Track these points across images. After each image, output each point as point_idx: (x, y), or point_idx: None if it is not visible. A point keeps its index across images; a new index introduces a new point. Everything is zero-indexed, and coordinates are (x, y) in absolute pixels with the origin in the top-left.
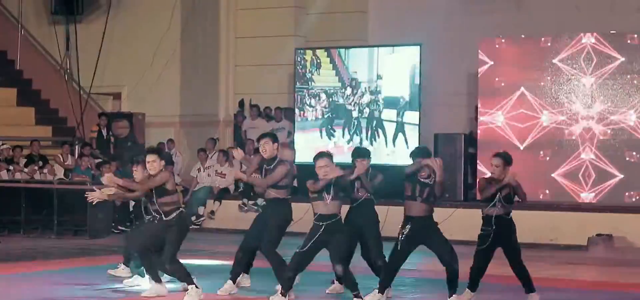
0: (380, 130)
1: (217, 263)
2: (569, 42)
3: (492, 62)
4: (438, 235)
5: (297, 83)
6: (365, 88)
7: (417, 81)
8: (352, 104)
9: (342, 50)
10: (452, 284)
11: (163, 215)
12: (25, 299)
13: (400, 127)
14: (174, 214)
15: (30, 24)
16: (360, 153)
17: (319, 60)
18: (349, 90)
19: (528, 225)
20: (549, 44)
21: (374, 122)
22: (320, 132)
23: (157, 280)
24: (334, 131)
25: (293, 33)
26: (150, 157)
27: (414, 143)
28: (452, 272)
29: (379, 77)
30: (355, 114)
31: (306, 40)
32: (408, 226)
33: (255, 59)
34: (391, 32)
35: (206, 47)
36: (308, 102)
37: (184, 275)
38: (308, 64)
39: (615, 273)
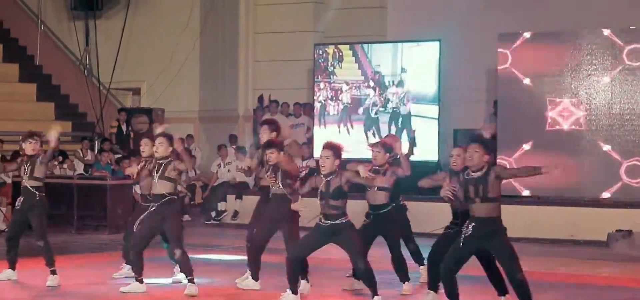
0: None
1: (237, 258)
2: (590, 37)
3: (511, 58)
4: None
5: (319, 77)
6: (389, 82)
7: (436, 76)
8: (377, 98)
9: (365, 44)
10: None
11: None
12: (44, 295)
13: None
14: None
15: (50, 19)
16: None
17: (341, 54)
18: (372, 83)
19: (547, 221)
20: (569, 40)
21: (400, 119)
22: (339, 127)
23: None
24: (353, 127)
25: (312, 28)
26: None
27: (432, 138)
28: None
29: (403, 70)
30: (376, 109)
31: (325, 35)
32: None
33: (275, 54)
34: (410, 27)
35: (225, 42)
36: (330, 96)
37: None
38: (330, 57)
39: (635, 269)
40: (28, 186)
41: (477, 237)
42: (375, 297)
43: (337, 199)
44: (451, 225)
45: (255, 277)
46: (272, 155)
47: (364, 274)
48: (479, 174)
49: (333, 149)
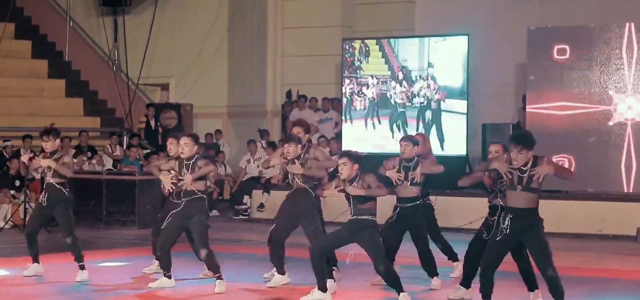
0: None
1: (265, 253)
2: (617, 31)
3: (539, 52)
4: None
5: (346, 72)
6: (416, 76)
7: (464, 71)
8: (404, 93)
9: (392, 39)
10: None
11: None
12: (73, 289)
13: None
14: None
15: (79, 15)
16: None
17: (367, 48)
18: (400, 76)
19: (575, 215)
20: (597, 34)
21: (430, 113)
22: (366, 122)
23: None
24: (380, 122)
25: (340, 23)
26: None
27: (461, 133)
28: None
29: (430, 64)
30: (402, 103)
31: (353, 30)
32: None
33: (303, 49)
34: (439, 22)
35: (254, 37)
36: (356, 91)
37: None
38: (356, 52)
39: None
40: (53, 183)
41: (516, 231)
42: (401, 294)
43: (363, 203)
44: (488, 221)
45: (281, 272)
46: (291, 149)
47: (385, 276)
48: (525, 167)
49: (349, 155)
